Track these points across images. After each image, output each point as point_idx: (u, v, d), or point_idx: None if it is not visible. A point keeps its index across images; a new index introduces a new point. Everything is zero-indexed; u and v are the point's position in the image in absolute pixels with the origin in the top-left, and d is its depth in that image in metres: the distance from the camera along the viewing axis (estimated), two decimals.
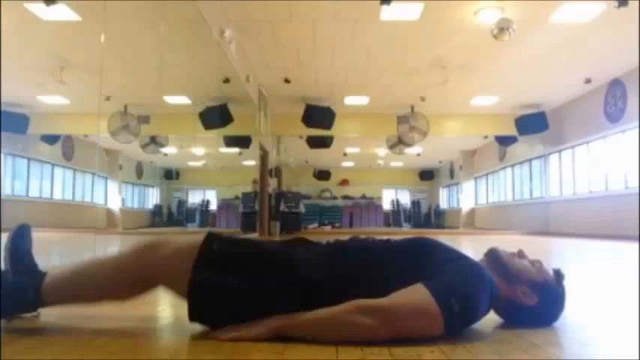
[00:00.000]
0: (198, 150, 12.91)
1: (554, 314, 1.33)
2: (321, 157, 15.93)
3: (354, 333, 1.09)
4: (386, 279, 1.18)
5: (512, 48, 6.90)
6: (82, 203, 12.17)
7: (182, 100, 8.71)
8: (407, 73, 8.38)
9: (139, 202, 15.17)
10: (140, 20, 5.56)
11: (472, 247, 5.79)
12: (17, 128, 8.69)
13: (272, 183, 11.25)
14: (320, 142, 11.61)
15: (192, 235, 1.32)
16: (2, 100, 7.23)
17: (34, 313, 1.33)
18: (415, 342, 1.08)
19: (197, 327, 1.23)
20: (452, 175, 18.50)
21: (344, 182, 20.46)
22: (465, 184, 16.46)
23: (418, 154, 15.86)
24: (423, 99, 9.66)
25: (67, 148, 11.48)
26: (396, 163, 18.89)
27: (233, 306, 1.18)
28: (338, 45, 7.15)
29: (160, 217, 15.42)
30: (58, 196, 11.38)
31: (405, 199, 20.95)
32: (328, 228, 15.15)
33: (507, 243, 4.09)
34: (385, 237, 1.41)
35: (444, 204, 20.06)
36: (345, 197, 19.99)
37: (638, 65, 7.72)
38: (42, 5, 4.92)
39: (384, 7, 5.48)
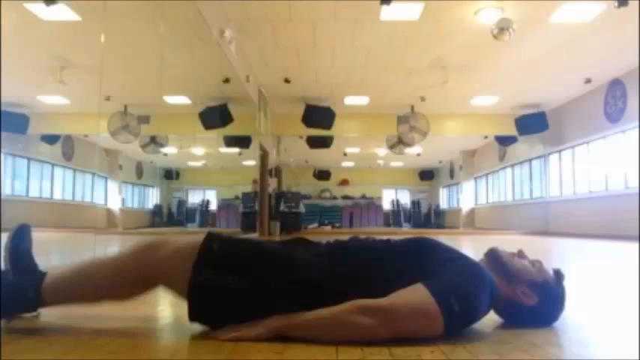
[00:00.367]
0: (198, 150, 12.90)
1: (554, 314, 1.33)
2: (321, 157, 15.92)
3: (354, 333, 1.09)
4: (386, 279, 1.18)
5: (512, 48, 6.89)
6: (82, 203, 12.17)
7: (182, 100, 8.70)
8: (407, 73, 8.37)
9: (139, 202, 15.16)
10: (140, 20, 5.56)
11: (472, 247, 5.79)
12: (17, 128, 8.69)
13: (272, 183, 11.24)
14: (320, 142, 11.61)
15: (192, 235, 1.32)
16: (2, 100, 7.23)
17: (34, 313, 1.33)
18: (415, 342, 1.08)
19: (197, 327, 1.23)
20: (452, 175, 18.49)
21: (344, 182, 20.44)
22: (465, 184, 16.46)
23: (418, 154, 15.85)
24: (423, 99, 9.66)
25: (67, 148, 11.48)
26: (396, 163, 18.88)
27: (233, 306, 1.18)
28: (338, 45, 7.15)
29: (159, 217, 15.42)
30: (58, 196, 11.37)
31: (405, 199, 20.94)
32: (328, 228, 15.14)
33: (507, 243, 4.08)
34: (385, 237, 1.40)
35: (444, 204, 20.05)
36: (345, 197, 19.98)
37: (638, 65, 7.72)
38: (42, 5, 4.92)
39: (384, 7, 5.48)
